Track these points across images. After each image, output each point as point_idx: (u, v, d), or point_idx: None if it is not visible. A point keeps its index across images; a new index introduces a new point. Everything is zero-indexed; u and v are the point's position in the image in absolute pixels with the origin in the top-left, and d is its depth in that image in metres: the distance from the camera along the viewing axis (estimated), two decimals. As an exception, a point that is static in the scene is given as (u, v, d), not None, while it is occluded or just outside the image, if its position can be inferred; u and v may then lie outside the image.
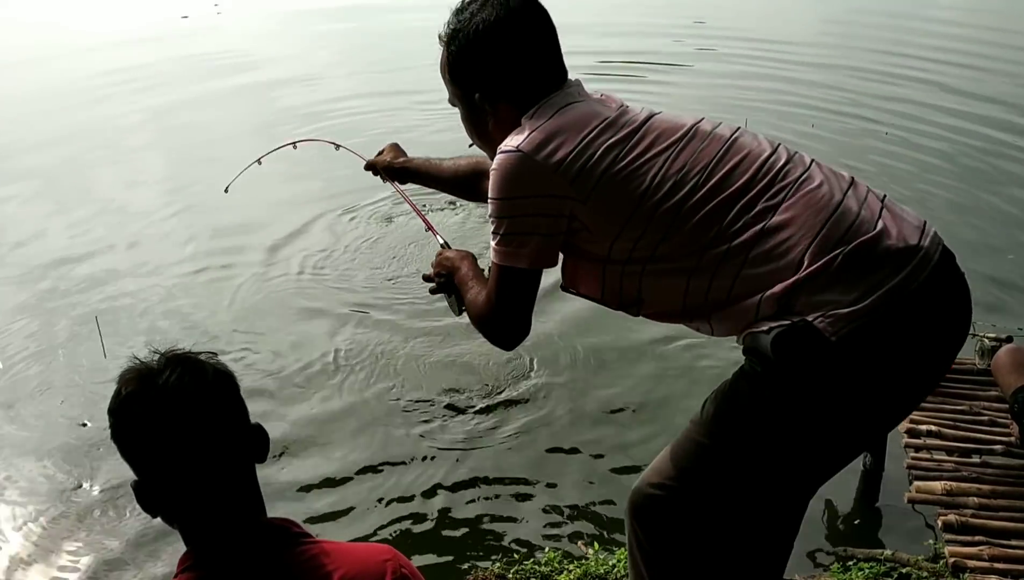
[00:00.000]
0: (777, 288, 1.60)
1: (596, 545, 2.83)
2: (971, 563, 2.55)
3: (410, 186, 2.55)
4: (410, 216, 5.37)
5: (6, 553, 3.10)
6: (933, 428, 3.03)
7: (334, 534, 3.11)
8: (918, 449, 2.98)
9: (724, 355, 3.69)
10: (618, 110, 1.82)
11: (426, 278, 2.16)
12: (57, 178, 6.58)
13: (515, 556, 2.84)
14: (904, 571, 2.61)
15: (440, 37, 1.91)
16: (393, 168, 2.49)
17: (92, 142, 7.35)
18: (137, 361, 1.28)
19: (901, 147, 6.62)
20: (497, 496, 3.30)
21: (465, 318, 2.04)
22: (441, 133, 6.56)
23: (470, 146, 1.98)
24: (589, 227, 1.73)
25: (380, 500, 3.30)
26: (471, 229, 5.12)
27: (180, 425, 1.24)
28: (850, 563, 2.70)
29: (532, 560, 2.76)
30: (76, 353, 4.24)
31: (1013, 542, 2.62)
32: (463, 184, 2.35)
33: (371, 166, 2.56)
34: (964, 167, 6.23)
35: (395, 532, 3.14)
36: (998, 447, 3.00)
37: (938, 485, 2.82)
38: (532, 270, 1.80)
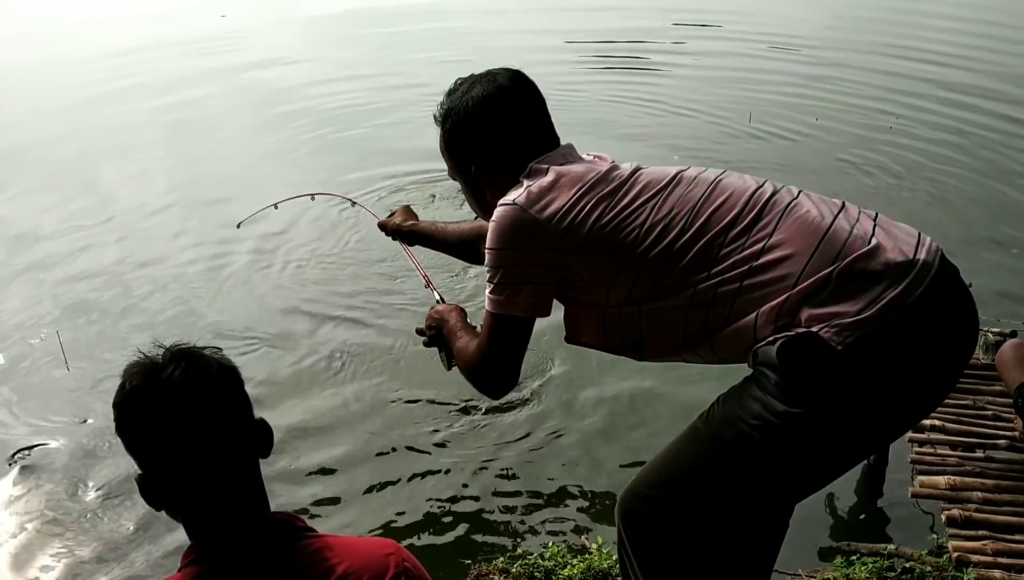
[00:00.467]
0: (774, 303, 1.63)
1: (600, 539, 2.82)
2: (975, 558, 2.56)
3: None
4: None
5: (9, 547, 3.11)
6: (937, 423, 3.03)
7: (337, 528, 3.12)
8: (922, 444, 2.99)
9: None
10: (608, 166, 1.89)
11: (419, 331, 2.26)
12: (60, 169, 6.63)
13: (518, 551, 2.84)
14: (907, 566, 2.61)
15: (435, 117, 2.03)
16: (402, 230, 2.61)
17: (96, 136, 7.40)
18: (142, 355, 1.28)
19: (907, 138, 6.62)
20: (500, 491, 3.30)
21: (454, 372, 2.11)
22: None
23: (476, 219, 2.04)
24: (584, 277, 1.80)
25: (383, 495, 3.30)
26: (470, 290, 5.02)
27: (184, 419, 1.25)
28: (853, 557, 2.70)
29: (535, 554, 2.76)
30: (77, 346, 4.26)
31: (1017, 537, 2.62)
32: (466, 247, 2.43)
33: (383, 226, 2.69)
34: (970, 160, 6.23)
35: (398, 527, 3.14)
36: (1002, 442, 3.00)
37: (942, 480, 2.82)
38: (524, 319, 1.86)
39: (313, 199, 3.15)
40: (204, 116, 7.93)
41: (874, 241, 1.67)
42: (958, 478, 2.83)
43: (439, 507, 3.23)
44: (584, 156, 1.98)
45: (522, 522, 3.14)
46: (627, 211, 1.78)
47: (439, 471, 3.41)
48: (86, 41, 10.96)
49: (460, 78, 2.03)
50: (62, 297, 4.76)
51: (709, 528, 1.77)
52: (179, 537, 2.93)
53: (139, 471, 1.30)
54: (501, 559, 2.80)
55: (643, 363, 1.95)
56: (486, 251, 1.87)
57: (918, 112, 7.18)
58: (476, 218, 2.10)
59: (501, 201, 1.85)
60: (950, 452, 2.97)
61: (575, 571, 2.62)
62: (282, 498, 3.22)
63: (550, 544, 2.87)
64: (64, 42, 11.03)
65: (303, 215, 5.41)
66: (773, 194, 1.78)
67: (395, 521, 3.17)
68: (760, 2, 11.61)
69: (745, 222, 1.73)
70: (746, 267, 1.68)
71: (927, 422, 3.01)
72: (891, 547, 2.73)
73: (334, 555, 1.29)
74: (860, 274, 1.62)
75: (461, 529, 3.13)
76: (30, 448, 3.58)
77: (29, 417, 3.79)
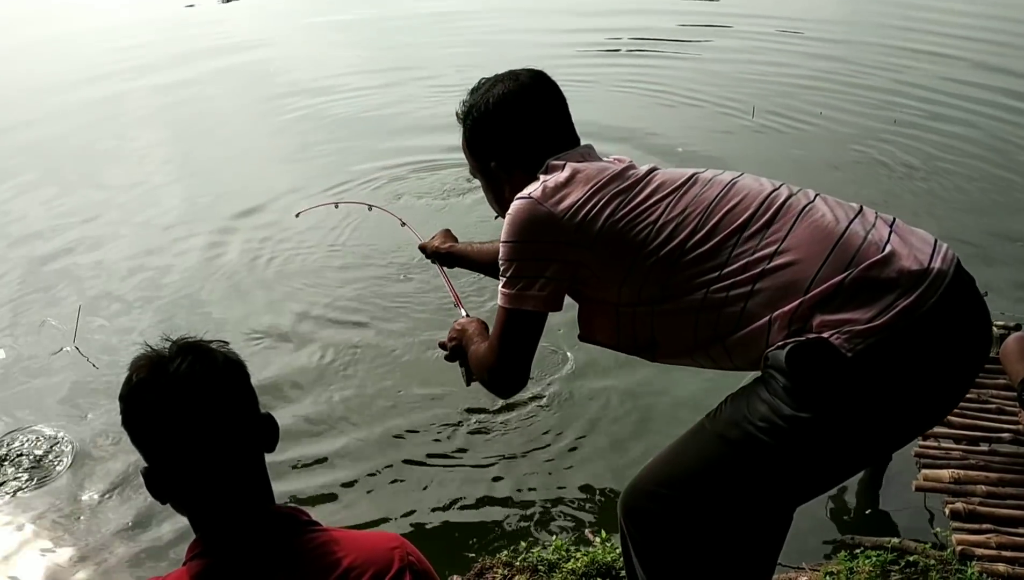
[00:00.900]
0: (786, 309, 1.61)
1: (603, 533, 2.83)
2: (978, 551, 2.56)
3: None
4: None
5: (14, 539, 3.13)
6: (941, 416, 3.03)
7: (342, 523, 3.13)
8: (925, 437, 2.99)
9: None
10: (624, 165, 1.91)
11: (441, 346, 2.27)
12: (59, 158, 6.65)
13: (522, 544, 2.84)
14: (911, 559, 2.61)
15: (457, 115, 2.07)
16: (440, 253, 2.65)
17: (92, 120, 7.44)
18: (148, 348, 1.29)
19: (913, 129, 6.60)
20: (504, 484, 3.30)
21: (474, 386, 2.13)
22: (432, 109, 6.70)
23: (496, 218, 2.05)
24: (597, 273, 1.81)
25: (387, 489, 3.31)
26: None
27: (189, 412, 1.25)
28: (857, 551, 2.69)
29: (539, 548, 2.77)
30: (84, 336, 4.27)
31: (1021, 530, 2.62)
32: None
33: (423, 248, 2.74)
34: (980, 151, 6.20)
35: (402, 521, 3.15)
36: (1006, 435, 3.00)
37: (945, 473, 2.82)
38: (536, 314, 1.87)
39: (370, 210, 3.27)
40: (202, 106, 7.95)
41: (888, 248, 1.65)
42: (962, 471, 2.83)
43: (443, 501, 3.24)
44: (603, 157, 1.99)
45: (526, 516, 3.15)
46: (640, 208, 1.79)
47: (444, 465, 3.41)
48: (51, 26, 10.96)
49: (484, 78, 2.05)
50: (67, 288, 4.77)
51: (711, 526, 1.77)
52: (184, 531, 2.94)
53: (145, 464, 1.30)
54: (505, 552, 2.80)
55: (668, 374, 1.95)
56: (500, 245, 1.87)
57: (925, 103, 7.15)
58: (496, 217, 2.11)
59: (517, 195, 1.87)
60: (954, 446, 2.97)
61: (579, 564, 2.62)
62: (287, 492, 3.23)
63: (554, 537, 2.88)
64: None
65: (324, 214, 5.45)
66: (788, 197, 1.77)
67: (399, 515, 3.18)
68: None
69: (758, 224, 1.72)
70: (758, 270, 1.67)
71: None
72: (895, 541, 2.73)
73: (339, 549, 1.29)
74: (873, 282, 1.60)
75: (465, 523, 3.14)
76: (30, 439, 3.59)
77: (28, 410, 3.80)
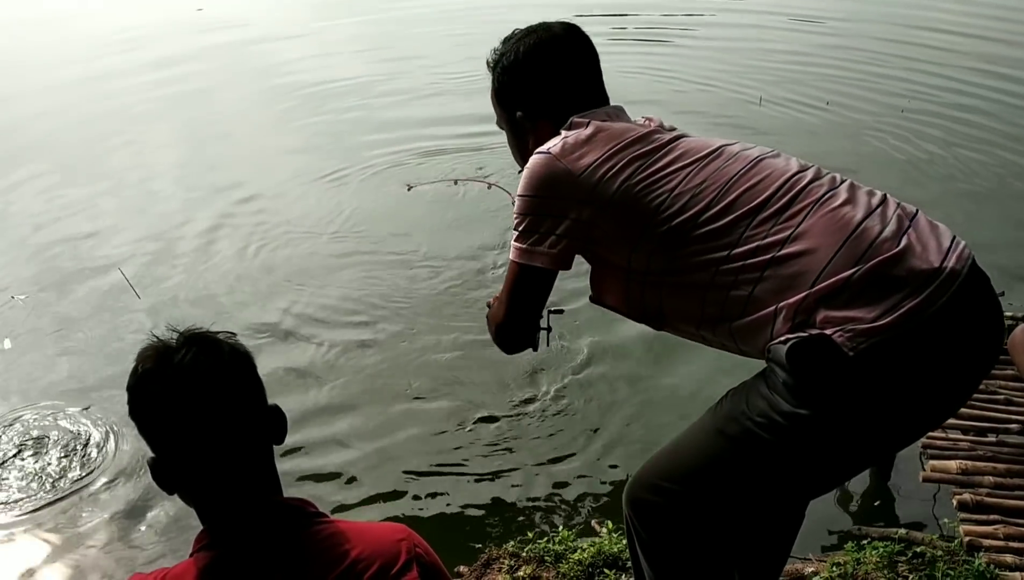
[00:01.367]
0: (792, 300, 1.58)
1: (610, 524, 2.83)
2: (986, 542, 2.55)
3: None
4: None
5: (18, 529, 3.14)
6: (948, 407, 3.02)
7: (348, 514, 3.14)
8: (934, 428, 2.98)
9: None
10: (652, 128, 1.87)
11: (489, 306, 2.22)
12: (67, 153, 6.64)
13: (528, 535, 2.85)
14: (918, 550, 2.60)
15: (488, 63, 2.04)
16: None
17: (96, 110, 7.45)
18: (155, 339, 1.29)
19: (926, 116, 6.57)
20: (510, 476, 3.30)
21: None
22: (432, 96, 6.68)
23: (519, 172, 2.02)
24: (610, 235, 1.78)
25: (394, 480, 3.31)
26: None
27: (194, 403, 1.25)
28: (864, 542, 2.69)
29: (546, 539, 2.77)
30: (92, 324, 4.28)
31: (1028, 521, 2.62)
32: None
33: None
34: (995, 137, 6.18)
35: (409, 512, 3.15)
36: (1014, 426, 2.99)
37: (953, 464, 2.82)
38: (545, 271, 1.85)
39: (490, 188, 3.12)
40: (204, 94, 7.96)
41: (902, 244, 1.60)
42: (970, 462, 2.82)
43: (450, 492, 3.24)
44: (634, 118, 1.96)
45: (532, 507, 3.15)
46: (658, 175, 1.75)
47: (450, 457, 3.41)
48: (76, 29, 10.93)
49: (517, 28, 2.03)
50: (89, 280, 4.77)
51: (713, 520, 1.76)
52: (191, 522, 2.94)
53: (152, 455, 1.30)
54: (511, 543, 2.80)
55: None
56: (516, 198, 1.87)
57: (937, 91, 7.12)
58: (520, 171, 2.05)
59: (537, 150, 1.85)
60: (962, 436, 2.96)
61: (585, 555, 2.62)
62: (293, 483, 3.24)
63: (560, 528, 2.88)
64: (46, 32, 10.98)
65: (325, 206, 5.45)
66: (811, 182, 1.73)
67: (406, 506, 3.18)
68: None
69: (775, 207, 1.68)
70: (768, 256, 1.63)
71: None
72: (902, 532, 2.72)
73: (346, 540, 1.29)
74: (882, 279, 1.56)
75: (471, 514, 3.14)
76: (40, 429, 3.60)
77: (28, 398, 3.82)
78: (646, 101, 6.65)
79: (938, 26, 8.93)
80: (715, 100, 7.09)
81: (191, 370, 1.24)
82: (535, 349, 2.11)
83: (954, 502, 2.72)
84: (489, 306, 2.17)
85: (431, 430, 3.56)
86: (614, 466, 3.32)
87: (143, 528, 3.13)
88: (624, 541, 2.64)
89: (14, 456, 3.46)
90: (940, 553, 2.58)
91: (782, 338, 1.58)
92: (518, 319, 1.92)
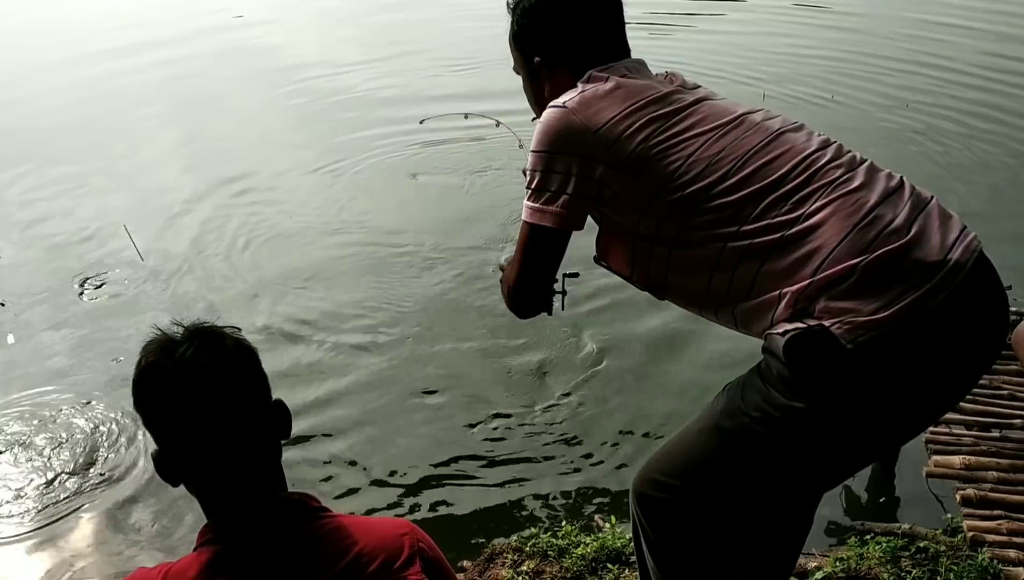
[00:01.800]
0: (796, 287, 1.55)
1: (613, 519, 2.83)
2: (989, 537, 2.55)
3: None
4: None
5: (23, 522, 3.16)
6: (952, 402, 3.01)
7: (351, 509, 3.14)
8: (936, 424, 2.97)
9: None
10: (673, 88, 1.80)
11: (500, 267, 2.16)
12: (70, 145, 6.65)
13: (532, 530, 2.85)
14: (922, 545, 2.60)
15: (508, 5, 1.96)
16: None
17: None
18: (160, 332, 1.29)
19: (936, 107, 6.56)
20: (514, 471, 3.31)
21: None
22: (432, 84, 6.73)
23: (533, 120, 1.95)
24: (620, 196, 1.72)
25: (398, 476, 3.32)
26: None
27: (196, 397, 1.25)
28: (867, 537, 2.69)
29: (549, 534, 2.77)
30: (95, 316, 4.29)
31: (1032, 516, 2.61)
32: None
33: None
34: (985, 136, 6.14)
35: (413, 507, 3.16)
36: (1017, 422, 2.99)
37: (957, 459, 2.81)
38: (558, 232, 1.78)
39: (498, 125, 2.97)
40: (206, 83, 7.99)
41: (911, 235, 1.57)
42: (973, 458, 2.82)
43: (453, 488, 3.25)
44: (657, 74, 1.89)
45: (536, 502, 3.16)
46: (676, 139, 1.69)
47: (454, 452, 3.42)
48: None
49: None
50: (94, 269, 4.79)
51: (716, 515, 1.74)
52: (196, 515, 2.96)
53: (156, 448, 1.30)
54: (515, 538, 2.80)
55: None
56: (529, 154, 1.79)
57: (944, 83, 7.10)
58: (534, 119, 1.96)
59: (551, 103, 1.78)
60: (965, 432, 2.96)
61: (588, 550, 2.62)
62: (296, 478, 3.24)
63: (563, 523, 2.88)
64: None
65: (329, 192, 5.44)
66: (829, 162, 1.67)
67: (410, 501, 3.19)
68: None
69: (789, 187, 1.63)
70: (777, 236, 1.59)
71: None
72: (905, 527, 2.72)
73: (349, 535, 1.29)
74: (886, 270, 1.53)
75: (475, 509, 3.15)
76: (47, 421, 3.62)
77: (30, 392, 3.83)
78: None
79: (945, 18, 8.91)
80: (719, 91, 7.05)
81: (195, 364, 1.25)
82: (549, 313, 2.04)
83: (957, 498, 2.71)
84: (502, 269, 2.12)
85: (434, 425, 3.57)
86: (618, 462, 3.32)
87: (147, 523, 3.13)
88: (627, 536, 2.64)
89: (16, 449, 3.47)
90: (943, 548, 2.58)
91: (780, 329, 1.56)
92: (531, 282, 1.85)
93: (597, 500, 3.14)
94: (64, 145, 6.57)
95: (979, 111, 6.50)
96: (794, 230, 1.59)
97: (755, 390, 1.63)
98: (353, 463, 3.39)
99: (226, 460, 1.28)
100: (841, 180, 1.64)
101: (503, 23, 1.99)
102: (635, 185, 1.70)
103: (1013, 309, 3.45)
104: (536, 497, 3.18)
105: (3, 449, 3.47)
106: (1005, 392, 3.12)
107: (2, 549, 3.06)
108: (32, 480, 3.33)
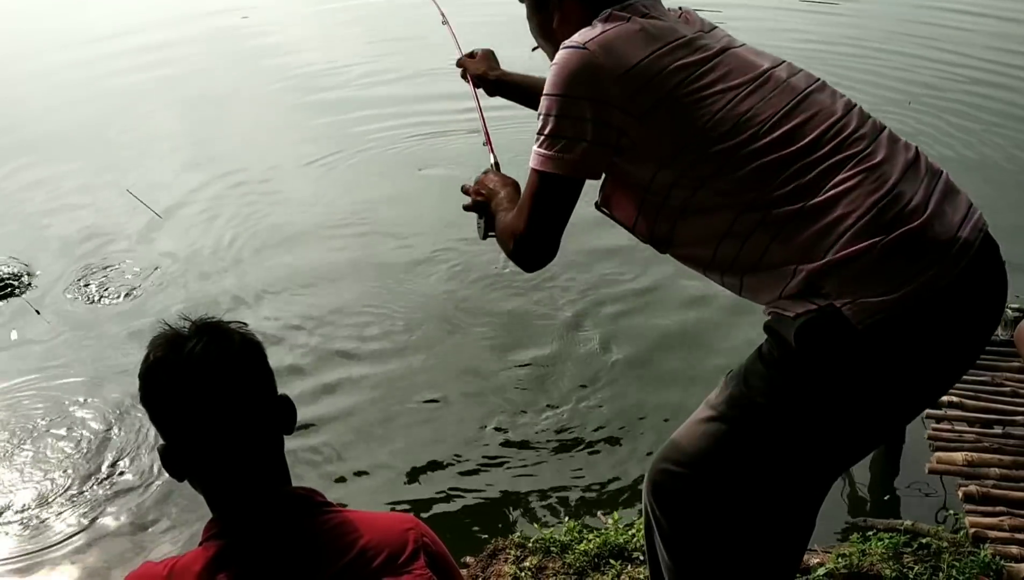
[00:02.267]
0: (812, 266, 1.53)
1: (615, 516, 2.84)
2: (992, 534, 2.55)
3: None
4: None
5: (30, 511, 3.17)
6: (954, 399, 3.02)
7: (354, 505, 3.14)
8: (939, 420, 2.97)
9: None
10: (695, 32, 1.72)
11: (464, 190, 2.07)
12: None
13: (535, 525, 2.86)
14: (924, 541, 2.61)
15: None
16: (487, 80, 2.34)
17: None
18: (167, 327, 1.30)
19: (945, 101, 6.57)
20: (517, 467, 3.32)
21: (488, 243, 2.01)
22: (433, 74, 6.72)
23: (533, 50, 1.89)
24: (638, 146, 1.63)
25: (401, 471, 3.33)
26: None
27: (203, 392, 1.25)
28: (869, 533, 2.69)
29: (551, 530, 2.78)
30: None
31: (1034, 513, 2.61)
32: None
33: (463, 66, 2.42)
34: (989, 129, 6.15)
35: (416, 502, 3.17)
36: (1020, 418, 2.98)
37: (959, 456, 2.81)
38: (571, 180, 1.68)
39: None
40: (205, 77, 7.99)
41: (927, 213, 1.54)
42: (975, 454, 2.82)
43: (456, 484, 3.25)
44: (672, 11, 1.78)
45: (539, 498, 3.16)
46: (704, 93, 1.61)
47: (458, 447, 3.43)
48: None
49: None
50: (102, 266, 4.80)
51: (728, 504, 1.74)
52: (202, 510, 2.96)
53: (162, 442, 1.31)
54: (517, 534, 2.81)
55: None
56: (542, 97, 1.67)
57: (952, 80, 7.08)
58: (534, 49, 1.92)
59: (568, 42, 1.67)
60: (967, 428, 2.96)
61: (591, 546, 2.62)
62: (297, 474, 3.24)
63: (566, 519, 2.89)
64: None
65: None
66: (855, 131, 1.62)
67: (412, 497, 3.20)
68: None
69: (815, 156, 1.57)
70: (797, 206, 1.54)
71: (944, 398, 2.99)
72: (907, 523, 2.72)
73: (354, 530, 1.29)
74: (903, 250, 1.52)
75: (478, 505, 3.16)
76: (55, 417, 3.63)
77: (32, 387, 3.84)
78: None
79: (955, 6, 8.90)
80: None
81: (202, 359, 1.25)
82: (481, 237, 2.00)
83: (960, 494, 2.71)
84: (465, 193, 2.04)
85: (437, 422, 3.58)
86: (621, 458, 3.33)
87: (153, 517, 3.14)
88: (630, 532, 2.65)
89: (22, 443, 3.48)
90: (945, 545, 2.58)
91: (790, 311, 1.54)
92: (542, 234, 1.72)
93: (600, 496, 3.14)
94: (65, 139, 6.58)
95: (985, 104, 6.52)
96: (815, 202, 1.55)
97: (758, 376, 1.63)
98: (354, 459, 3.40)
99: (233, 455, 1.29)
100: (864, 153, 1.60)
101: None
102: (656, 137, 1.62)
103: (1014, 306, 3.45)
104: (539, 493, 3.18)
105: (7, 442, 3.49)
106: (1007, 389, 3.12)
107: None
108: (34, 474, 3.34)
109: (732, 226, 1.59)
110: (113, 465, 3.37)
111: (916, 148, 1.69)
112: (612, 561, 2.56)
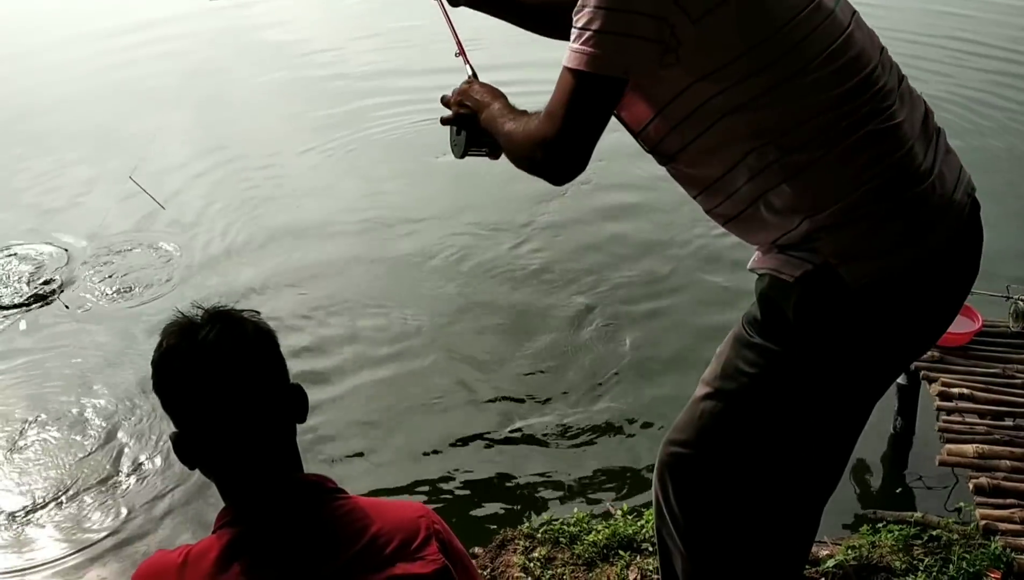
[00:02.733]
0: (816, 217, 1.51)
1: (625, 506, 2.84)
2: (1002, 526, 2.55)
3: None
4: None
5: (41, 498, 3.19)
6: (965, 391, 3.01)
7: (367, 492, 3.15)
8: (950, 412, 2.96)
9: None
10: None
11: (444, 102, 1.90)
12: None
13: (544, 516, 2.86)
14: (934, 534, 2.60)
15: None
16: None
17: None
18: (180, 315, 1.30)
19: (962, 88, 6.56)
20: (526, 458, 3.32)
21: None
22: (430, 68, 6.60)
23: None
24: (680, 55, 1.49)
25: (411, 462, 3.34)
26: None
27: (217, 380, 1.26)
28: (880, 525, 2.69)
29: (561, 520, 2.78)
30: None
31: (1045, 505, 2.61)
32: (547, 14, 1.96)
33: None
34: (994, 124, 6.12)
35: (425, 492, 3.18)
36: (1031, 410, 2.97)
37: (970, 448, 2.80)
38: (617, 81, 1.51)
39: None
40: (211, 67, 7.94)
41: (933, 176, 1.56)
42: (986, 446, 2.81)
43: (466, 474, 3.26)
44: None
45: (548, 489, 3.17)
46: (763, 9, 1.50)
47: (467, 437, 3.44)
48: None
49: None
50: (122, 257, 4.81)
51: (735, 482, 1.75)
52: (214, 498, 2.98)
53: (175, 430, 1.31)
54: (526, 525, 2.81)
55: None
56: None
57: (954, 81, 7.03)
58: None
59: None
60: (978, 420, 2.95)
61: (600, 536, 2.63)
62: (308, 462, 3.25)
63: (575, 510, 2.89)
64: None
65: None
66: (885, 85, 1.56)
67: (423, 487, 3.21)
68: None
69: (853, 105, 1.52)
70: (819, 154, 1.50)
71: (955, 390, 2.99)
72: (918, 515, 2.72)
73: (366, 517, 1.30)
74: (905, 212, 1.53)
75: (488, 495, 3.17)
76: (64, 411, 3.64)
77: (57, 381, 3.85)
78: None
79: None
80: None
81: (215, 347, 1.25)
82: (458, 156, 1.87)
83: (970, 486, 2.71)
84: (445, 105, 1.87)
85: (446, 412, 3.58)
86: (630, 449, 3.33)
87: (166, 505, 3.16)
88: (639, 523, 2.65)
89: (30, 437, 3.50)
90: (956, 537, 2.57)
91: (786, 272, 1.54)
92: (579, 140, 1.54)
93: (609, 487, 3.15)
94: (66, 131, 6.58)
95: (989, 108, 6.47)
96: (836, 152, 1.51)
97: (747, 346, 1.64)
98: (363, 450, 3.41)
99: (245, 442, 1.29)
100: (891, 110, 1.56)
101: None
102: (705, 49, 1.49)
103: (1020, 298, 3.42)
104: (548, 484, 3.19)
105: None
106: (1018, 381, 3.10)
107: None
108: (45, 466, 3.36)
109: (745, 158, 1.53)
110: (123, 454, 3.39)
111: (924, 102, 1.68)
112: (621, 552, 2.57)
